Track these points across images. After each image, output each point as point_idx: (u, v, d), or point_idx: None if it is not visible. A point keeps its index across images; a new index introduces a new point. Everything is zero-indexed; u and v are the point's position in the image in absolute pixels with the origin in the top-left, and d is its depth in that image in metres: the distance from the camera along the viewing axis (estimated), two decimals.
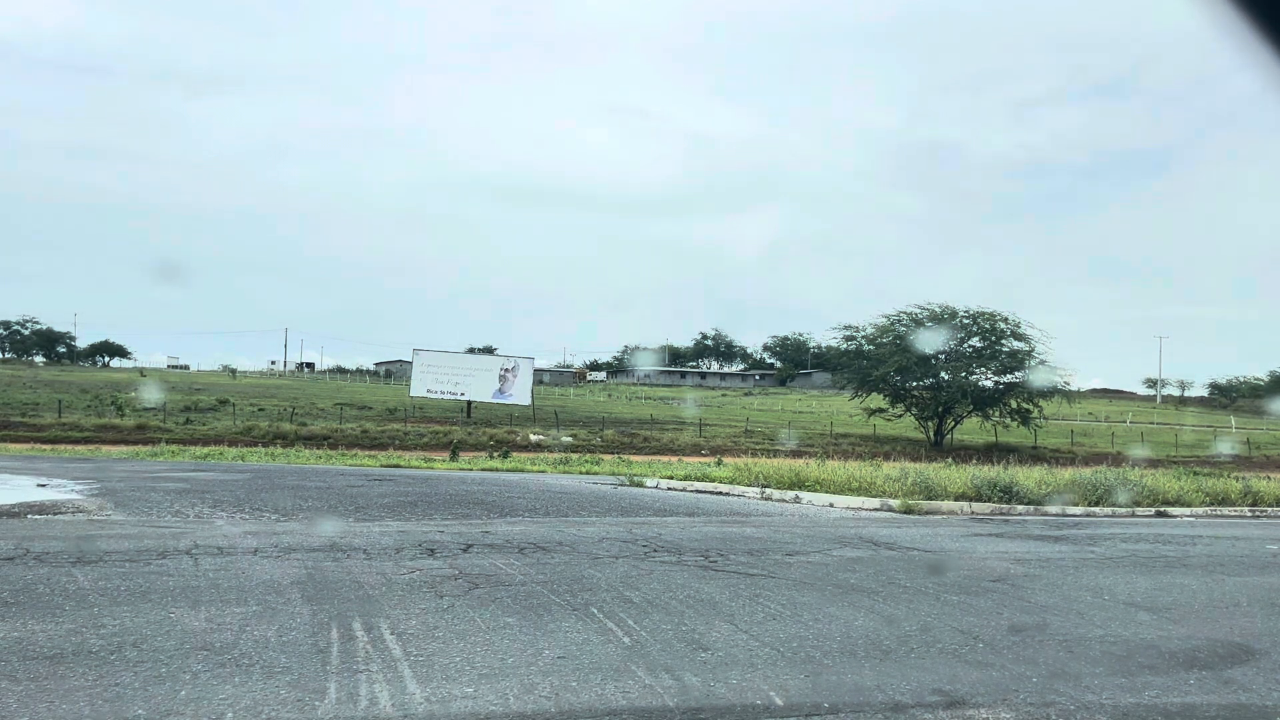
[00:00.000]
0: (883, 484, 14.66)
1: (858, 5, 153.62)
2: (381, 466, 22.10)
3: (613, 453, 41.78)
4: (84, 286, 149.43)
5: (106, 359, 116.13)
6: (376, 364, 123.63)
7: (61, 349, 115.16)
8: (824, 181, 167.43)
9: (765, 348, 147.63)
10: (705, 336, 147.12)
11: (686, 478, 17.02)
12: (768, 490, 15.12)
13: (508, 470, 23.12)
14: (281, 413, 51.41)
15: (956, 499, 14.01)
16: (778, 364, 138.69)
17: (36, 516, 9.47)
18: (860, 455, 44.04)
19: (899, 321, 55.38)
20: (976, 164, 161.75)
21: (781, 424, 61.62)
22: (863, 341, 56.30)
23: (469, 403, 58.53)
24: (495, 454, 31.38)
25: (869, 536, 9.28)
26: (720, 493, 15.65)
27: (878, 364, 53.80)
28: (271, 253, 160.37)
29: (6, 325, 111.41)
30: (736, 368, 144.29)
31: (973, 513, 13.48)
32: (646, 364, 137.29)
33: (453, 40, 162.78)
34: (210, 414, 48.83)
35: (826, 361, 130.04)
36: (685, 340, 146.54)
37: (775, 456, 44.72)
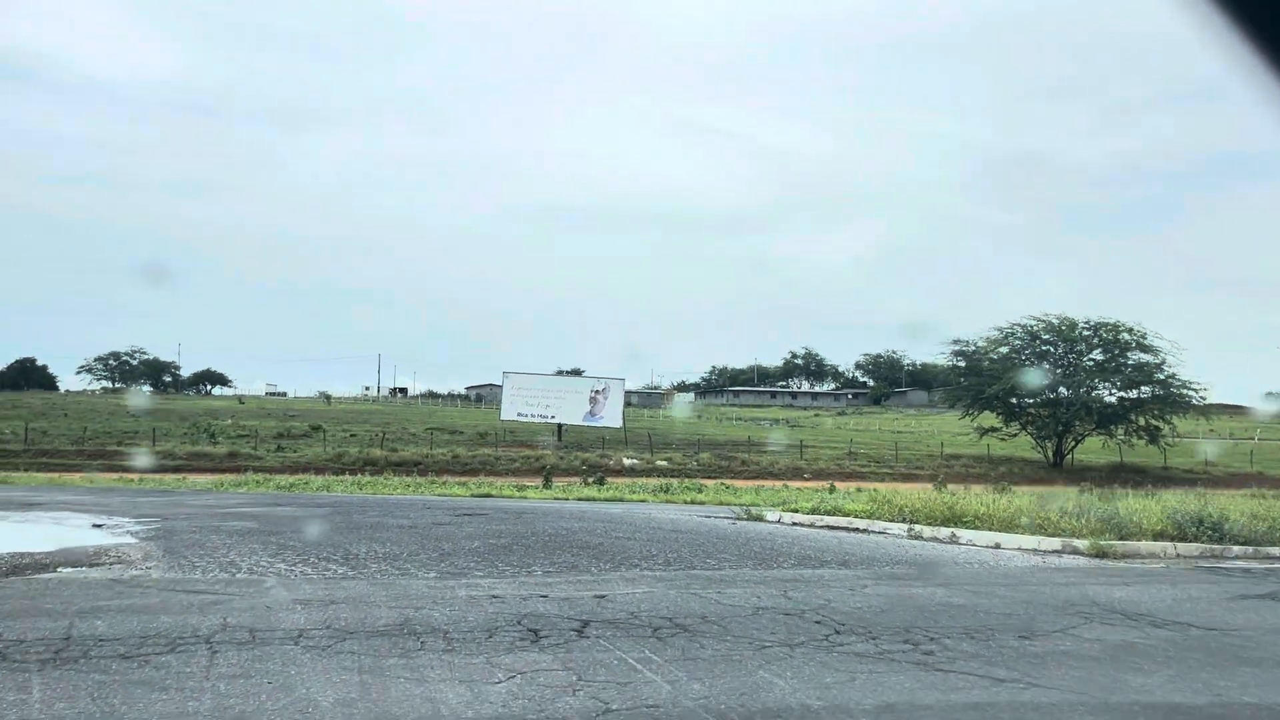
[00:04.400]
0: (1057, 519, 12.25)
1: (938, 15, 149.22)
2: (472, 496, 20.50)
3: (710, 477, 39.64)
4: (188, 317, 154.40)
5: (209, 387, 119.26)
6: (467, 388, 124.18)
7: (167, 378, 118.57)
8: (908, 196, 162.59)
9: (857, 366, 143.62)
10: (794, 355, 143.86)
11: (814, 511, 14.84)
12: (915, 527, 12.84)
13: (606, 500, 21.25)
14: (372, 438, 50.79)
15: (1155, 538, 11.53)
16: (870, 382, 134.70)
17: (66, 570, 7.93)
18: (977, 478, 40.87)
19: (1013, 335, 51.93)
20: (1067, 173, 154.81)
21: (884, 445, 58.49)
22: (975, 356, 52.95)
23: (559, 425, 57.11)
24: (589, 480, 29.63)
25: (1101, 601, 7.02)
26: (857, 530, 13.43)
27: (990, 380, 50.41)
28: (365, 280, 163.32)
29: (116, 356, 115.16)
30: (827, 387, 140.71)
31: (1179, 555, 11.01)
32: (735, 384, 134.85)
33: (529, 68, 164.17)
34: (302, 440, 48.46)
35: (922, 379, 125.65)
36: (773, 359, 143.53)
37: (885, 480, 41.92)
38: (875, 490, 17.87)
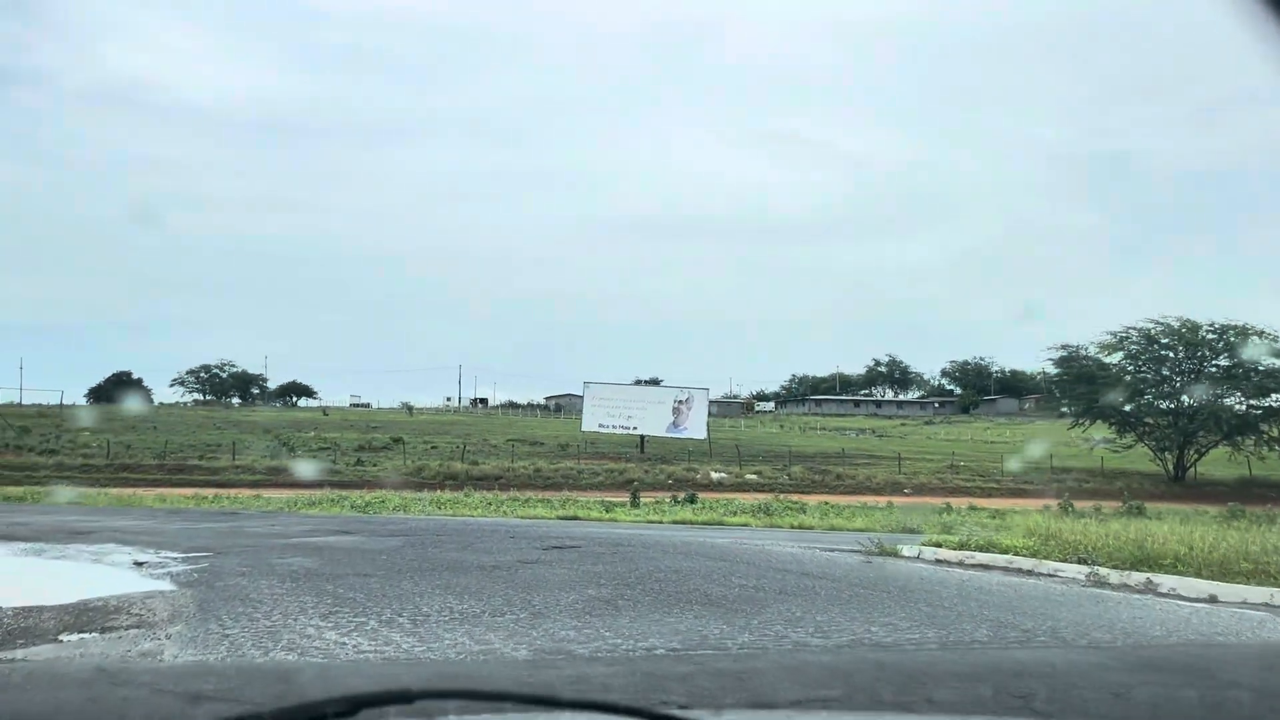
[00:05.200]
0: None
1: (1021, 16, 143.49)
2: (559, 519, 18.77)
3: (804, 492, 37.31)
4: (275, 331, 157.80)
5: (294, 399, 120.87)
6: (546, 398, 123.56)
7: (255, 390, 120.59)
8: (992, 200, 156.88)
9: (943, 373, 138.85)
10: (878, 363, 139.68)
11: (962, 546, 12.59)
12: (1097, 569, 10.55)
13: (704, 523, 19.28)
14: (453, 450, 49.78)
15: None
16: (957, 390, 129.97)
17: (69, 637, 6.33)
18: (1090, 494, 37.72)
19: (1128, 339, 48.33)
20: (1157, 173, 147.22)
21: (983, 456, 55.15)
22: (1084, 362, 49.44)
23: (642, 437, 55.42)
24: (679, 497, 27.67)
25: None
26: (1021, 571, 11.19)
27: (1104, 388, 46.89)
28: (446, 293, 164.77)
29: (206, 369, 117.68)
30: (912, 395, 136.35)
31: None
32: (816, 393, 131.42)
33: (607, 81, 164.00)
34: (383, 453, 47.67)
35: (1012, 386, 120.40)
36: (855, 367, 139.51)
37: (993, 497, 38.97)
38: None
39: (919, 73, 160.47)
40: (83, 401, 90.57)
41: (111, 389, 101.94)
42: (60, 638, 6.35)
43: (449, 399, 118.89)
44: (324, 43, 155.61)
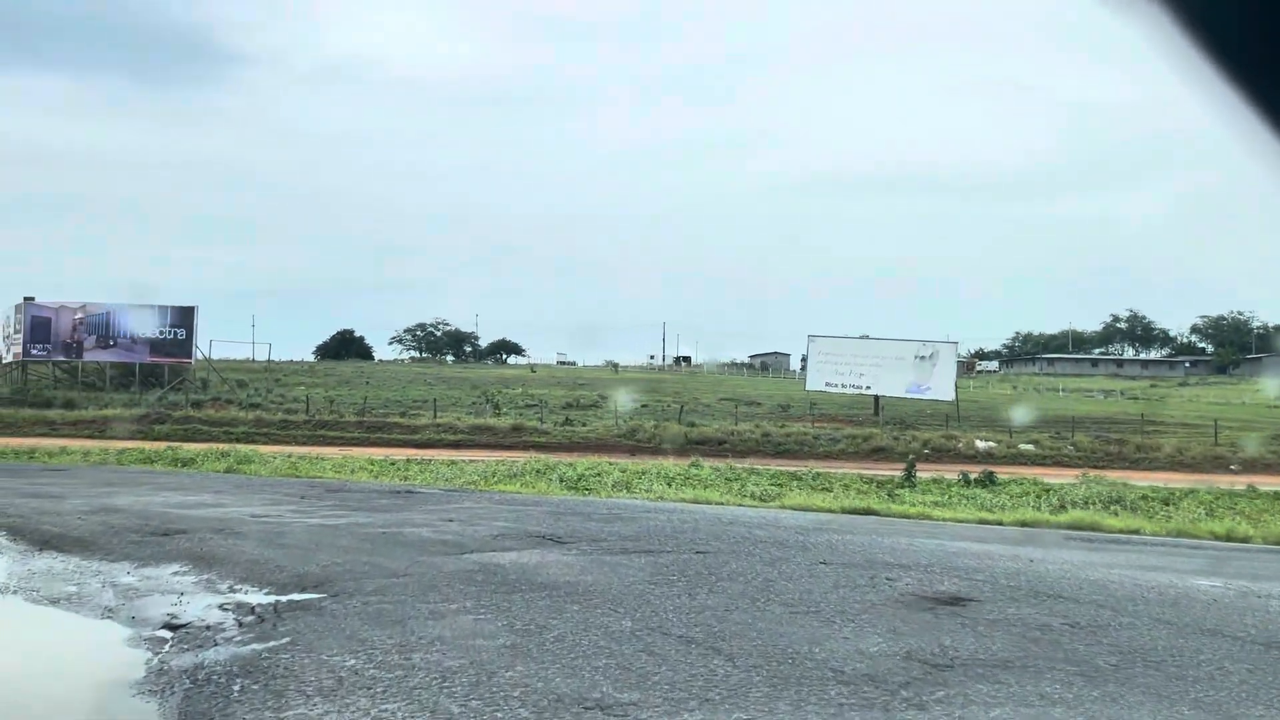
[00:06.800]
0: None
1: None
2: (841, 512, 13.10)
3: (1097, 466, 29.67)
4: (484, 290, 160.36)
5: (504, 356, 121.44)
6: (751, 356, 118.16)
7: (467, 348, 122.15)
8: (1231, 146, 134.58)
9: (1193, 330, 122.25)
10: (1116, 319, 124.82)
11: None
12: None
13: (1061, 525, 12.94)
14: (664, 409, 45.08)
15: None
16: (1209, 348, 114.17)
17: None
18: None
19: None
20: None
21: None
22: None
23: (876, 398, 48.55)
24: (969, 476, 21.15)
25: None
26: None
27: None
28: (647, 252, 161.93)
29: (422, 327, 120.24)
30: (1156, 354, 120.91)
31: None
32: (1046, 351, 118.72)
33: (808, 34, 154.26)
34: (590, 411, 43.68)
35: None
36: (1090, 324, 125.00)
37: None
38: None
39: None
40: (310, 359, 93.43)
41: (337, 346, 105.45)
42: None
43: (652, 357, 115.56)
44: (527, 13, 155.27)
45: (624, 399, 48.29)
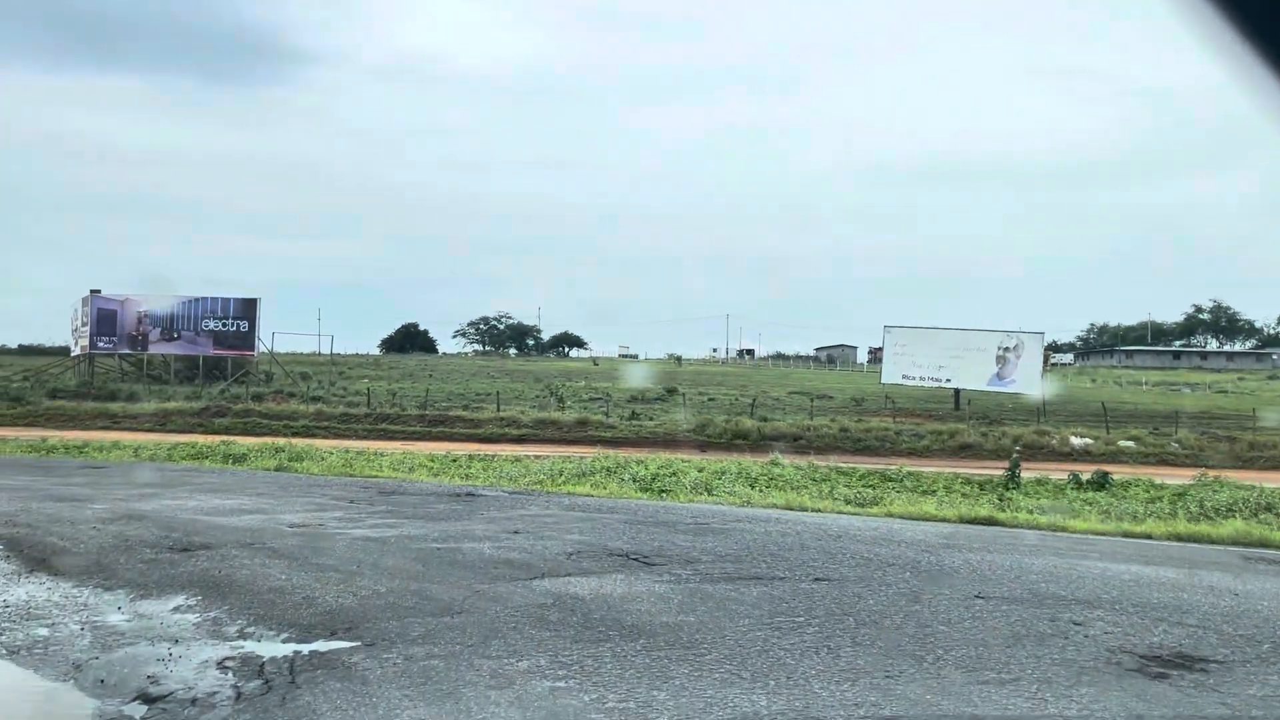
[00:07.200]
0: None
1: None
2: (959, 522, 11.41)
3: (1209, 466, 27.24)
4: (547, 284, 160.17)
5: (566, 349, 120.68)
6: (816, 349, 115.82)
7: (530, 341, 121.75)
8: None
9: None
10: (1199, 309, 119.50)
11: None
12: None
13: (1224, 539, 11.06)
14: (732, 403, 43.39)
15: None
16: None
17: None
18: None
19: None
20: None
21: None
22: None
23: (957, 391, 46.26)
24: (1081, 477, 19.16)
25: None
26: None
27: None
28: (711, 245, 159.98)
29: (485, 321, 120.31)
30: (1241, 346, 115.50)
31: None
32: (1123, 343, 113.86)
33: (871, 24, 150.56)
34: (656, 405, 42.20)
35: None
36: (1170, 315, 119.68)
37: None
38: None
39: None
40: (376, 352, 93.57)
41: (401, 340, 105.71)
42: None
43: (715, 350, 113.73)
44: (589, 7, 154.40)
45: (689, 392, 46.73)
